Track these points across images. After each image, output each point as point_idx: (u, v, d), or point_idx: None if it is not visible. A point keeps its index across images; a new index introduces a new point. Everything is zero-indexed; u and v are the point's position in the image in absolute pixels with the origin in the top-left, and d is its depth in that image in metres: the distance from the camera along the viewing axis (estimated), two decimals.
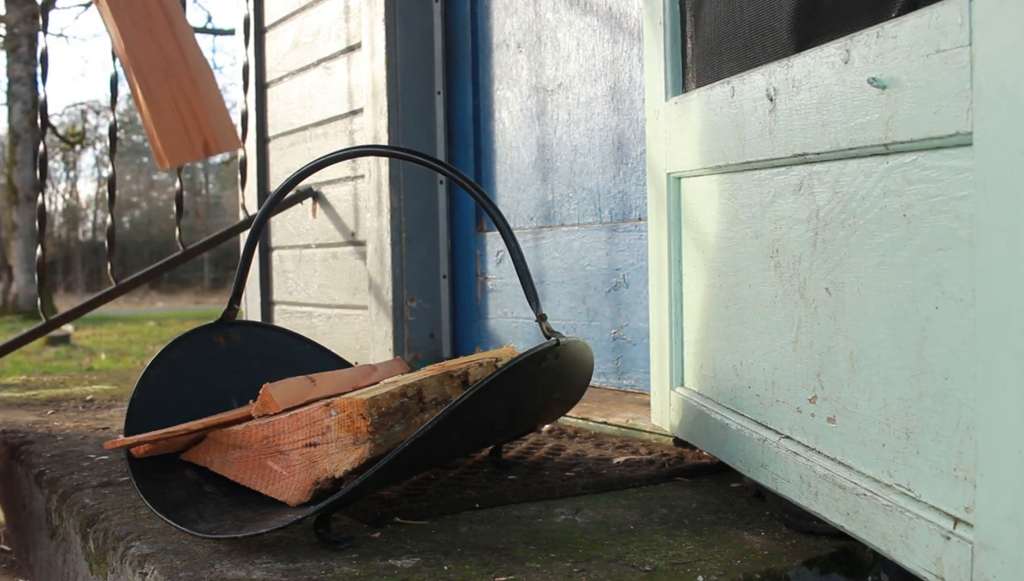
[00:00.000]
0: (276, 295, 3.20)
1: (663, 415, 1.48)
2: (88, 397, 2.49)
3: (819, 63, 0.98)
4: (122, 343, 8.52)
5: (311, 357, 1.64)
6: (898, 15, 0.86)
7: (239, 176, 2.96)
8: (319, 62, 2.86)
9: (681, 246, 1.41)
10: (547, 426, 1.81)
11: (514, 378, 1.18)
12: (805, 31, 1.07)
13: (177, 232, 2.65)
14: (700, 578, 1.00)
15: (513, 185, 2.36)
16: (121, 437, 1.25)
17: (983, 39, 0.72)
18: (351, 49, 2.70)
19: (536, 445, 1.64)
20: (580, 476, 1.40)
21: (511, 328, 2.35)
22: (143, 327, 10.71)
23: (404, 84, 2.50)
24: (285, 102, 3.07)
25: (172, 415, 1.34)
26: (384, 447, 1.19)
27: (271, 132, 3.15)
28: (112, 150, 2.59)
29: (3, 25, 13.39)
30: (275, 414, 1.25)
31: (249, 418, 1.28)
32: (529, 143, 2.30)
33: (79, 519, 1.35)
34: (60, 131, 17.54)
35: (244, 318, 2.87)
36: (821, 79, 0.97)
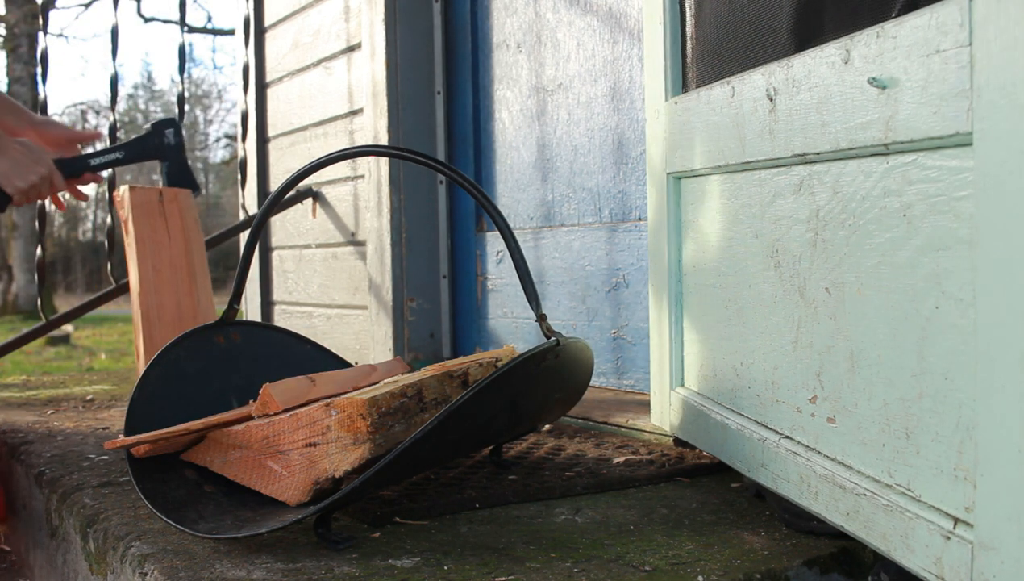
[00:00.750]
0: (276, 295, 3.20)
1: (663, 415, 1.48)
2: (88, 397, 2.49)
3: (819, 63, 0.98)
4: (122, 343, 8.52)
5: (311, 357, 1.64)
6: (898, 15, 0.86)
7: (239, 176, 2.97)
8: (319, 62, 2.86)
9: (681, 246, 1.41)
10: (547, 426, 1.81)
11: (514, 378, 1.18)
12: (805, 31, 1.07)
13: None
14: (700, 578, 1.00)
15: (513, 185, 2.36)
16: (121, 437, 1.25)
17: (983, 39, 0.72)
18: (351, 49, 2.70)
19: (536, 445, 1.64)
20: (580, 476, 1.40)
21: (511, 328, 2.35)
22: None
23: (404, 84, 2.50)
24: (285, 102, 3.07)
25: (172, 415, 1.33)
26: (384, 447, 1.19)
27: (271, 132, 3.15)
28: None
29: (3, 25, 13.39)
30: (275, 414, 1.25)
31: (249, 418, 1.28)
32: (529, 143, 2.30)
33: (79, 519, 1.35)
34: None
35: (244, 318, 2.87)
36: (821, 79, 0.97)
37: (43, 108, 2.55)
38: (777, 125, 1.07)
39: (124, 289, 2.57)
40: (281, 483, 1.21)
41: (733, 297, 1.23)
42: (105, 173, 2.24)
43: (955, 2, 0.75)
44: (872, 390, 0.91)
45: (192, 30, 17.57)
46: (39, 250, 2.52)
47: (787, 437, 1.10)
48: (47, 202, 2.49)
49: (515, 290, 2.33)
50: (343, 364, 1.68)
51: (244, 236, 2.88)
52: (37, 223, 2.51)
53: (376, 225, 2.54)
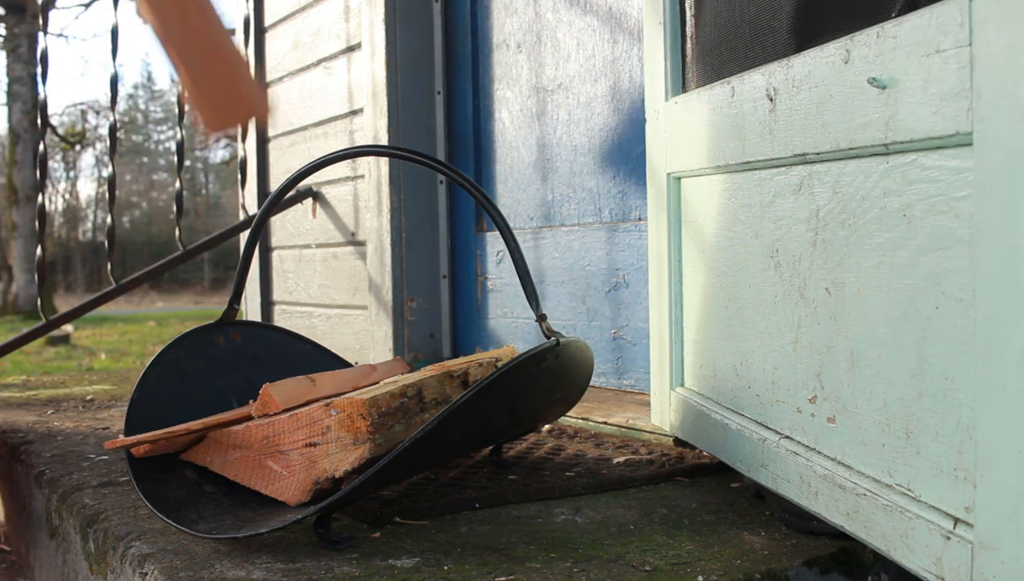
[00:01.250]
0: (276, 295, 3.20)
1: (663, 415, 1.48)
2: (88, 397, 2.49)
3: (819, 63, 0.98)
4: (122, 343, 8.52)
5: (311, 357, 1.64)
6: (898, 15, 0.86)
7: (239, 176, 2.97)
8: (319, 62, 2.86)
9: (681, 246, 1.41)
10: (547, 426, 1.81)
11: (514, 378, 1.18)
12: (805, 31, 1.07)
13: (177, 232, 2.65)
14: (700, 578, 1.00)
15: (513, 185, 2.36)
16: (121, 437, 1.25)
17: (983, 39, 0.72)
18: (351, 49, 2.70)
19: (536, 445, 1.64)
20: (580, 476, 1.40)
21: (511, 328, 2.35)
22: (143, 327, 10.71)
23: (404, 84, 2.50)
24: (285, 102, 3.07)
25: (172, 415, 1.34)
26: (384, 447, 1.19)
27: (271, 132, 3.15)
28: (112, 150, 2.59)
29: (3, 25, 13.39)
30: (275, 414, 1.25)
31: (249, 418, 1.28)
32: (529, 143, 2.30)
33: (79, 519, 1.35)
34: (60, 131, 17.54)
35: (244, 318, 2.87)
36: (821, 79, 0.97)
37: (43, 108, 2.55)
38: (777, 125, 1.07)
39: (124, 289, 2.57)
40: (281, 483, 1.21)
41: (733, 297, 1.23)
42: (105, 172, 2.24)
43: (955, 2, 0.75)
44: (872, 390, 0.91)
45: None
46: (39, 250, 2.52)
47: (787, 437, 1.10)
48: (47, 201, 2.49)
49: (515, 290, 2.33)
50: (343, 364, 1.68)
51: (244, 236, 2.88)
52: (37, 223, 2.51)
53: (376, 225, 2.54)
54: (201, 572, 1.04)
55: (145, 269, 2.65)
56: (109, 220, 2.57)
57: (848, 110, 0.92)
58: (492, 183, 2.43)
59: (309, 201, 2.89)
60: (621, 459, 1.50)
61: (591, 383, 2.01)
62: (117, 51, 2.63)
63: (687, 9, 1.39)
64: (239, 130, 2.95)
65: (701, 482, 1.40)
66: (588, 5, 2.11)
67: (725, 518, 1.22)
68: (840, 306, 0.97)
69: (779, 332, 1.10)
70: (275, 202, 1.44)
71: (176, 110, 2.74)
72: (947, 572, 0.78)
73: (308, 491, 1.18)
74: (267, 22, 3.14)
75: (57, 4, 15.22)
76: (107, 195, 2.59)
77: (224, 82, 1.31)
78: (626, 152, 2.02)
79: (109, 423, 2.06)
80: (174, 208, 2.71)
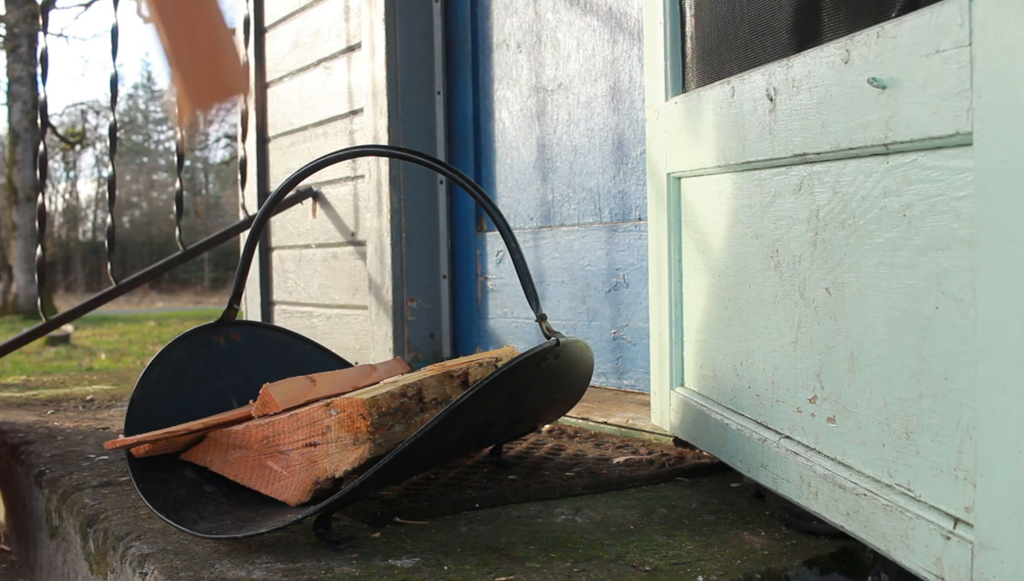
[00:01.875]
0: (276, 295, 3.20)
1: (663, 415, 1.48)
2: (88, 397, 2.49)
3: (819, 63, 0.98)
4: (122, 343, 8.52)
5: (311, 357, 1.64)
6: (898, 15, 0.86)
7: (239, 176, 2.97)
8: (319, 62, 2.86)
9: (681, 246, 1.41)
10: (547, 426, 1.81)
11: (514, 378, 1.18)
12: (805, 31, 1.07)
13: (177, 232, 2.65)
14: (700, 578, 1.00)
15: (513, 185, 2.36)
16: (121, 437, 1.25)
17: (983, 39, 0.72)
18: (351, 49, 2.70)
19: (536, 445, 1.64)
20: (580, 476, 1.40)
21: (511, 328, 2.35)
22: (143, 327, 10.71)
23: (404, 84, 2.50)
24: (285, 102, 3.07)
25: (172, 415, 1.34)
26: (384, 447, 1.19)
27: (271, 132, 3.15)
28: (112, 150, 2.59)
29: (3, 25, 13.39)
30: (275, 414, 1.25)
31: (249, 418, 1.28)
32: (529, 143, 2.30)
33: (79, 519, 1.35)
34: (60, 131, 17.54)
35: (244, 318, 2.87)
36: (821, 79, 0.97)
37: (43, 108, 2.55)
38: (777, 125, 1.07)
39: (124, 289, 2.57)
40: (281, 483, 1.21)
41: (733, 297, 1.23)
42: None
43: (955, 2, 0.75)
44: (872, 390, 0.91)
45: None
46: (39, 250, 2.52)
47: (787, 437, 1.10)
48: (47, 201, 2.49)
49: (515, 290, 2.33)
50: (343, 364, 1.68)
51: (244, 236, 2.88)
52: (37, 223, 2.51)
53: (376, 225, 2.54)
54: (201, 572, 1.04)
55: (145, 269, 2.65)
56: (109, 220, 2.57)
57: (848, 110, 0.92)
58: (492, 183, 2.43)
59: (309, 201, 2.89)
60: (621, 459, 1.50)
61: (591, 383, 2.01)
62: (117, 51, 2.63)
63: (687, 9, 1.39)
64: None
65: (701, 482, 1.40)
66: (588, 5, 2.11)
67: (725, 518, 1.22)
68: (840, 306, 0.97)
69: (779, 332, 1.10)
70: (275, 202, 1.44)
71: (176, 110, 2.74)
72: (947, 572, 0.78)
73: (308, 491, 1.18)
74: (267, 22, 3.14)
75: (57, 4, 15.22)
76: (107, 195, 2.59)
77: (206, 57, 1.29)
78: (626, 152, 2.02)
79: (109, 423, 2.06)
80: (174, 208, 2.71)
